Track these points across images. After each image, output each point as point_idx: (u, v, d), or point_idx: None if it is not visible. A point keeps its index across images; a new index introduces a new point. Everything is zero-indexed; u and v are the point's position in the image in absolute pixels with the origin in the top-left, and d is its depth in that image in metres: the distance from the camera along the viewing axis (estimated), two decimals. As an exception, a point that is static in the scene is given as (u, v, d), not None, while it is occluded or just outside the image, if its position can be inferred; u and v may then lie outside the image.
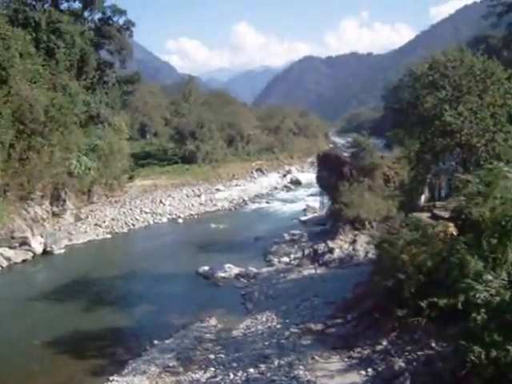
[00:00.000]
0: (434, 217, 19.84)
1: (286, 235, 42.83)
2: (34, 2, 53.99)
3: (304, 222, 49.69)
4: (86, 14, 59.42)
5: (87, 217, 49.49)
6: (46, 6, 54.56)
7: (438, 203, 23.56)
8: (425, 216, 20.45)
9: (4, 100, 38.33)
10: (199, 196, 63.20)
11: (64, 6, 57.35)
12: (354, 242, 35.32)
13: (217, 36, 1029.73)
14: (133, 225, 49.63)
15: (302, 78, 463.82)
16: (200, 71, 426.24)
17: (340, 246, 35.28)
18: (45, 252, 39.36)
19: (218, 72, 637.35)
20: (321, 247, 35.74)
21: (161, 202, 58.02)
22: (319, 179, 47.34)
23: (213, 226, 49.59)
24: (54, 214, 46.00)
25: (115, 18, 60.62)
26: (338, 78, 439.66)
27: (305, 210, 55.24)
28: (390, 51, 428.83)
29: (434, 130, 23.49)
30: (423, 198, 26.84)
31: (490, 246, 13.91)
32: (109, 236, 45.94)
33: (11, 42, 39.96)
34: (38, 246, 39.05)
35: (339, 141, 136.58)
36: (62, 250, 40.40)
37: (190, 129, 79.29)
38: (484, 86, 23.24)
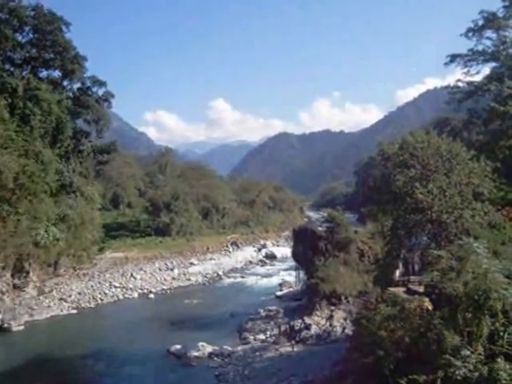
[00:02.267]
0: (410, 291, 20.08)
1: (261, 311, 42.34)
2: (12, 69, 55.08)
3: (280, 297, 49.34)
4: (65, 83, 60.72)
5: (52, 290, 48.16)
6: (24, 72, 55.78)
7: (412, 277, 23.97)
8: (400, 291, 20.67)
9: (-27, 165, 38.11)
10: (172, 270, 62.47)
11: (43, 74, 58.85)
12: (330, 317, 35.12)
13: (194, 110, 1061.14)
14: (101, 300, 48.41)
15: (277, 153, 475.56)
16: (177, 143, 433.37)
17: (317, 322, 34.99)
18: (1, 329, 37.53)
19: (195, 145, 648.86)
20: (297, 323, 35.37)
21: (132, 275, 57.08)
22: (295, 253, 47.62)
23: (186, 301, 48.78)
24: (15, 287, 44.40)
25: (94, 89, 61.99)
26: (311, 154, 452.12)
27: (280, 284, 54.97)
28: (360, 129, 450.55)
29: (406, 207, 24.38)
30: (398, 272, 27.16)
31: (466, 321, 14.10)
32: (74, 311, 44.60)
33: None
34: (-9, 321, 37.19)
35: (314, 215, 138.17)
36: (21, 327, 38.66)
37: (164, 200, 79.49)
38: (450, 166, 24.61)
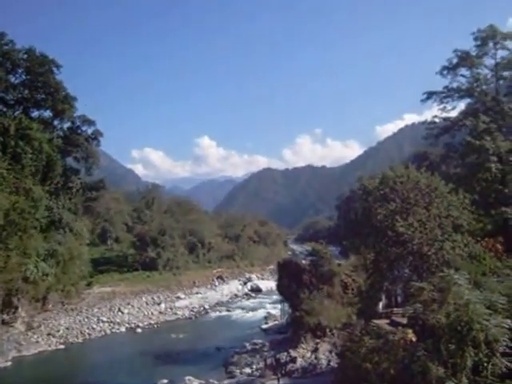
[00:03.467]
0: (393, 323, 19.95)
1: (247, 344, 41.77)
2: (4, 109, 55.17)
3: (265, 330, 48.80)
4: (56, 122, 60.89)
5: (40, 325, 47.05)
6: (16, 112, 55.85)
7: (395, 309, 23.89)
8: (384, 323, 20.54)
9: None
10: (159, 304, 61.54)
11: (35, 113, 58.94)
12: (315, 350, 34.69)
13: (180, 148, 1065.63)
14: (89, 334, 47.37)
15: (261, 188, 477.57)
16: (163, 179, 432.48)
17: (302, 354, 34.52)
18: (-13, 365, 36.29)
19: (181, 181, 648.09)
20: (283, 356, 34.84)
21: (119, 310, 56.11)
22: (279, 287, 47.25)
23: (173, 335, 47.99)
24: (4, 323, 43.46)
25: (84, 128, 62.17)
26: (294, 189, 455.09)
27: (266, 317, 54.42)
28: (341, 164, 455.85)
29: (388, 240, 24.49)
30: (381, 304, 27.11)
31: (449, 352, 13.97)
32: (62, 347, 43.51)
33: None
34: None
35: (298, 248, 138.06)
36: (9, 363, 37.62)
37: (151, 236, 78.97)
38: (430, 199, 24.93)
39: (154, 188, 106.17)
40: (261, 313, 58.03)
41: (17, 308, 45.04)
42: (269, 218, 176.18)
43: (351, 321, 30.22)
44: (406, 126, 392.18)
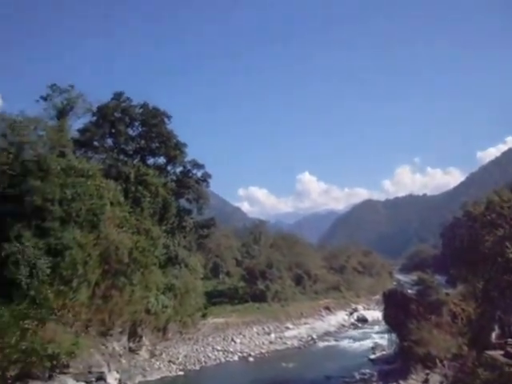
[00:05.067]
0: (508, 355, 18.26)
1: (356, 374, 40.37)
2: (125, 159, 59.56)
3: (373, 360, 46.81)
4: (169, 167, 64.55)
5: (161, 353, 48.78)
6: (135, 161, 60.08)
7: (510, 340, 21.83)
8: (498, 354, 18.87)
9: (94, 243, 40.56)
10: (269, 334, 61.46)
11: (150, 161, 62.90)
12: (426, 381, 32.52)
13: (283, 184, 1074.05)
14: (205, 362, 48.30)
15: (363, 219, 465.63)
16: (268, 215, 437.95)
17: (412, 386, 32.55)
18: (118, 388, 38.39)
19: (284, 215, 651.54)
20: (393, 387, 33.11)
21: (232, 339, 56.77)
22: (386, 317, 45.37)
23: (283, 364, 47.53)
24: (131, 350, 45.74)
25: (194, 171, 65.19)
26: (396, 218, 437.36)
27: (373, 348, 52.25)
28: (443, 191, 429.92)
29: (497, 267, 22.70)
30: (494, 334, 24.95)
31: None
32: (182, 373, 44.68)
33: (104, 192, 43.41)
34: (113, 381, 38.32)
35: (403, 278, 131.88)
36: (136, 387, 39.39)
37: (260, 269, 79.85)
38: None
39: (260, 224, 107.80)
40: (368, 343, 55.89)
41: (141, 337, 47.34)
42: (372, 248, 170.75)
43: (462, 351, 28.14)
44: (510, 150, 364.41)
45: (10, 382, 31.46)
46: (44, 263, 35.21)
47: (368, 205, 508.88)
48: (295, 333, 63.51)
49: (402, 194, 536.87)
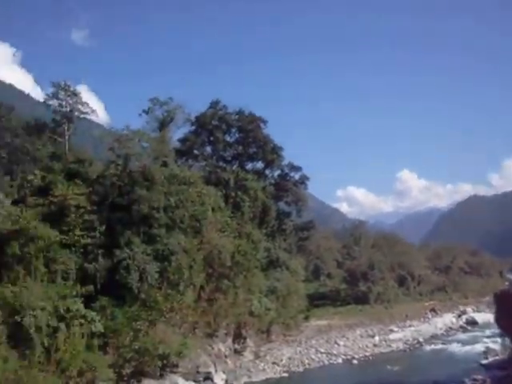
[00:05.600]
0: None
1: (466, 380, 37.22)
2: (224, 165, 60.81)
3: (485, 366, 42.88)
4: (267, 171, 65.25)
5: (265, 355, 48.60)
6: (233, 167, 61.17)
7: None
8: None
9: (197, 247, 41.90)
10: (373, 337, 59.08)
11: (248, 166, 63.85)
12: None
13: (382, 183, 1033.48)
14: (308, 364, 47.34)
15: (469, 217, 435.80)
16: (367, 215, 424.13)
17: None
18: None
19: (384, 215, 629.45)
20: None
21: (335, 342, 55.30)
22: (498, 319, 41.63)
23: (388, 367, 45.27)
24: (236, 352, 46.09)
25: (292, 174, 65.27)
26: (505, 215, 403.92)
27: (485, 352, 47.93)
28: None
29: None
30: None
31: None
32: (286, 375, 44.08)
33: (206, 198, 44.70)
34: (219, 381, 38.81)
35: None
36: (241, 388, 39.61)
37: (361, 270, 77.87)
38: None
39: (359, 224, 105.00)
40: (479, 347, 51.37)
41: (245, 339, 47.54)
42: (479, 247, 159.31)
43: None
44: None
45: (125, 379, 33.07)
46: (152, 268, 36.89)
47: (473, 201, 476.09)
48: (400, 335, 60.46)
49: (510, 188, 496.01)
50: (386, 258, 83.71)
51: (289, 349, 51.54)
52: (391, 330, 63.23)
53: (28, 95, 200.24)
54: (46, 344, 28.32)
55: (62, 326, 29.25)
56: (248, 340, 47.84)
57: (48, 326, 28.59)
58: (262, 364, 45.91)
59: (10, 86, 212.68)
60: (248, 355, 46.99)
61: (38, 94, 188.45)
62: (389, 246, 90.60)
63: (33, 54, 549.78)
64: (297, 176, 65.25)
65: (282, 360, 47.48)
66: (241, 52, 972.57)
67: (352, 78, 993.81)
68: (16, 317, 27.84)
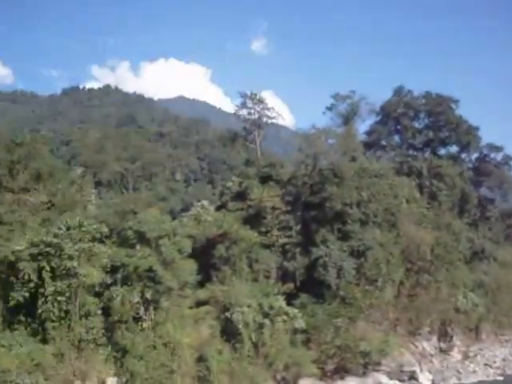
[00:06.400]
0: None
1: None
2: (414, 153, 57.20)
3: None
4: (463, 155, 59.55)
5: (475, 355, 44.06)
6: (425, 154, 57.10)
7: None
8: None
9: (394, 241, 40.20)
10: None
11: (441, 152, 58.90)
12: None
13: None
14: (528, 368, 41.54)
15: None
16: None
17: None
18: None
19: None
20: None
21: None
22: None
23: None
24: (441, 351, 42.88)
25: (492, 155, 58.56)
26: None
27: None
28: None
29: None
30: None
31: None
32: (500, 378, 39.68)
33: (398, 189, 42.72)
34: (425, 381, 36.68)
35: None
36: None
37: None
38: None
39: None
40: None
41: (452, 337, 43.99)
42: None
43: None
44: None
45: (329, 375, 33.28)
46: (349, 264, 36.43)
47: None
48: None
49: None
50: None
51: (502, 349, 46.34)
52: None
53: (219, 109, 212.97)
54: (254, 339, 29.79)
55: (267, 322, 30.41)
56: (455, 338, 44.11)
57: (254, 321, 30.01)
58: (472, 365, 42.06)
59: (204, 103, 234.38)
60: (456, 355, 43.37)
61: (228, 105, 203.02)
62: None
63: (220, 69, 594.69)
64: (498, 157, 58.21)
65: (495, 362, 42.99)
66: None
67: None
68: (226, 313, 29.91)
